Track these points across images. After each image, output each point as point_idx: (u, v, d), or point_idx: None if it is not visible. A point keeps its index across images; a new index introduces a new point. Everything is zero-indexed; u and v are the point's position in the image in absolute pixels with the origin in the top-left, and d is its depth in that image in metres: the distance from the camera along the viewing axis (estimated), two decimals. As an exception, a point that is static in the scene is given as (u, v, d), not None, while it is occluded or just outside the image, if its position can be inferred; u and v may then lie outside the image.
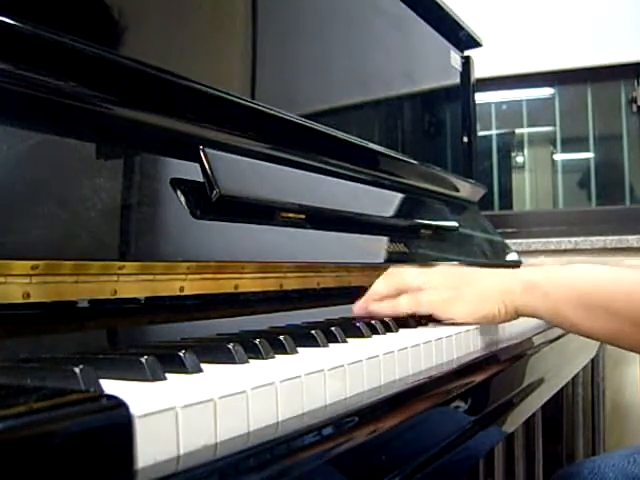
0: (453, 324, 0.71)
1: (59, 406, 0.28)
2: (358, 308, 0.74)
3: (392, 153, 1.17)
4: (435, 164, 1.39)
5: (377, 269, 0.99)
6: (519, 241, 1.97)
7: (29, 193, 0.53)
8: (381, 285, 0.75)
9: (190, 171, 0.69)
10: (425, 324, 0.75)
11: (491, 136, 2.34)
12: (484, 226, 1.61)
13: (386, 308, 0.72)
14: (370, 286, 0.76)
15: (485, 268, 0.78)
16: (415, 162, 1.24)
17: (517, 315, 0.71)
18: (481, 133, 2.24)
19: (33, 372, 0.36)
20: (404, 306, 0.72)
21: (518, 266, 1.62)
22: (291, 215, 0.82)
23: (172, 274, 0.62)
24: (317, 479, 0.40)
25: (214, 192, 0.68)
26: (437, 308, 0.71)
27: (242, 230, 0.73)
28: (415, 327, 0.72)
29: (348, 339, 0.60)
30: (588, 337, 0.71)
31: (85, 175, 0.58)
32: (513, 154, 2.35)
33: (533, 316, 0.71)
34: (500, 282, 0.71)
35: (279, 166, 0.83)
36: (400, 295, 0.73)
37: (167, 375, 0.40)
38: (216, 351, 0.47)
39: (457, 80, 1.64)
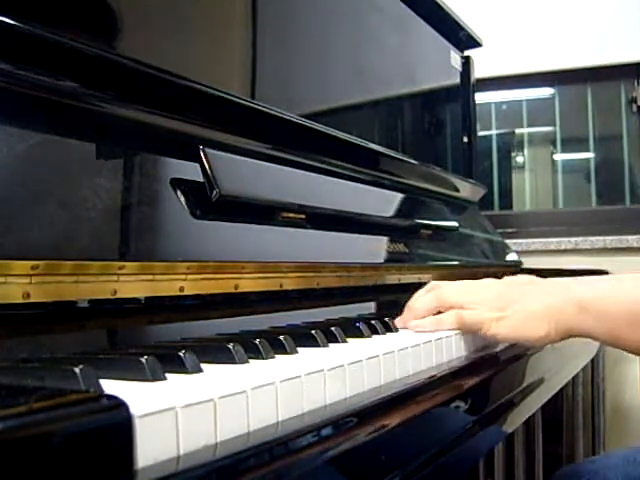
0: None
1: (59, 406, 0.28)
2: (401, 322, 0.71)
3: (392, 153, 1.17)
4: (435, 164, 1.39)
5: (377, 269, 0.99)
6: (519, 241, 1.97)
7: (29, 193, 0.53)
8: (422, 301, 0.72)
9: (190, 171, 0.69)
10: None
11: (491, 136, 2.33)
12: (484, 226, 1.61)
13: (428, 325, 0.69)
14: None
15: (532, 281, 0.74)
16: (415, 162, 1.24)
17: (569, 336, 0.67)
18: (481, 133, 2.23)
19: (33, 372, 0.36)
20: (447, 324, 0.69)
21: (518, 266, 1.62)
22: (291, 215, 0.82)
23: (172, 274, 0.62)
24: (317, 479, 0.40)
25: (214, 192, 0.68)
26: (482, 327, 0.68)
27: (242, 230, 0.73)
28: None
29: (348, 339, 0.60)
30: None
31: (85, 175, 0.58)
32: (513, 154, 2.35)
33: (587, 337, 0.68)
34: (550, 301, 0.67)
35: (279, 166, 0.83)
36: (440, 311, 0.71)
37: (167, 375, 0.40)
38: (216, 351, 0.47)
39: (457, 80, 1.64)
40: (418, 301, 0.72)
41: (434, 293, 0.72)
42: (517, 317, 0.67)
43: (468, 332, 0.70)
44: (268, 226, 0.78)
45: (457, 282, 0.74)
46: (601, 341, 0.68)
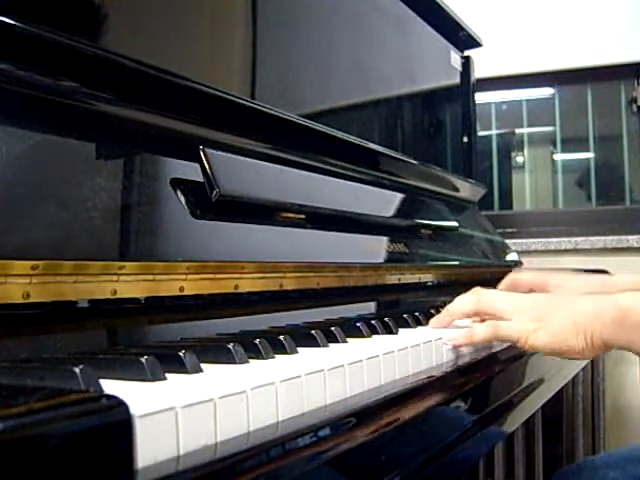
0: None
1: (59, 406, 0.28)
2: (436, 322, 0.72)
3: (392, 153, 1.17)
4: (435, 164, 1.39)
5: (377, 269, 0.99)
6: (519, 241, 1.97)
7: (29, 193, 0.53)
8: (464, 303, 0.71)
9: (190, 171, 0.69)
10: (425, 324, 0.75)
11: (491, 136, 2.33)
12: (484, 226, 1.61)
13: (461, 339, 0.67)
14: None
15: (573, 294, 0.71)
16: (415, 162, 1.24)
17: (605, 348, 0.63)
18: (481, 133, 2.24)
19: (33, 372, 0.36)
20: (480, 335, 0.66)
21: (518, 266, 1.62)
22: (291, 215, 0.82)
23: (172, 274, 0.62)
24: (317, 479, 0.40)
25: (214, 192, 0.68)
26: (519, 339, 0.65)
27: (242, 230, 0.73)
28: (415, 327, 0.72)
29: (348, 339, 0.60)
30: None
31: (85, 175, 0.58)
32: (513, 154, 2.35)
33: (626, 349, 0.63)
34: (591, 308, 0.63)
35: (279, 166, 0.83)
36: (480, 316, 0.70)
37: (167, 375, 0.40)
38: (216, 351, 0.47)
39: (457, 80, 1.64)
40: (456, 302, 0.71)
41: (475, 297, 0.71)
42: (554, 328, 0.64)
43: (503, 342, 0.69)
44: (268, 226, 0.78)
45: (495, 290, 0.73)
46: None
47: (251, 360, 0.47)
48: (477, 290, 0.72)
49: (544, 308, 0.66)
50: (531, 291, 0.83)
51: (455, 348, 0.67)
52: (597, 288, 0.96)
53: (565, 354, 0.64)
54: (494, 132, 2.34)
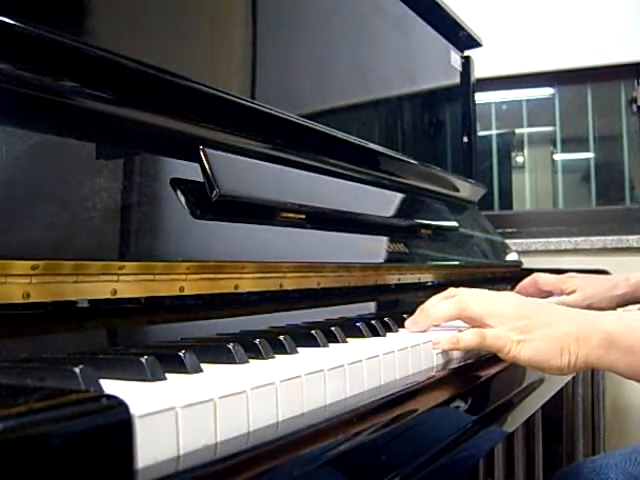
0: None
1: (59, 406, 0.28)
2: (414, 326, 0.69)
3: (392, 153, 1.17)
4: (435, 164, 1.39)
5: (377, 269, 0.99)
6: (519, 241, 1.97)
7: (29, 193, 0.53)
8: (443, 309, 0.68)
9: (190, 171, 0.69)
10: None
11: (491, 136, 2.33)
12: (484, 226, 1.61)
13: (446, 344, 0.64)
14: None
15: (557, 306, 0.70)
16: (415, 162, 1.24)
17: (587, 368, 0.64)
18: (481, 133, 2.23)
19: (33, 372, 0.36)
20: (467, 342, 0.64)
21: (518, 266, 1.62)
22: (291, 215, 0.82)
23: (172, 274, 0.62)
24: (317, 479, 0.40)
25: (214, 192, 0.68)
26: (502, 349, 0.64)
27: (242, 230, 0.73)
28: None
29: (348, 339, 0.60)
30: None
31: (85, 175, 0.58)
32: (513, 154, 2.35)
33: (609, 370, 0.64)
34: (577, 330, 0.63)
35: (279, 166, 0.83)
36: (460, 320, 0.68)
37: (167, 375, 0.40)
38: (216, 351, 0.47)
39: (457, 80, 1.65)
40: (437, 306, 0.69)
41: (455, 301, 0.68)
42: (540, 342, 0.63)
43: (485, 350, 0.67)
44: (268, 226, 0.78)
45: (477, 290, 0.70)
46: (624, 375, 0.63)
47: (251, 360, 0.47)
48: (455, 292, 0.70)
49: (528, 320, 0.65)
50: (547, 293, 0.89)
51: (443, 352, 0.65)
52: (614, 289, 1.04)
53: (545, 370, 0.64)
54: (494, 132, 2.34)
